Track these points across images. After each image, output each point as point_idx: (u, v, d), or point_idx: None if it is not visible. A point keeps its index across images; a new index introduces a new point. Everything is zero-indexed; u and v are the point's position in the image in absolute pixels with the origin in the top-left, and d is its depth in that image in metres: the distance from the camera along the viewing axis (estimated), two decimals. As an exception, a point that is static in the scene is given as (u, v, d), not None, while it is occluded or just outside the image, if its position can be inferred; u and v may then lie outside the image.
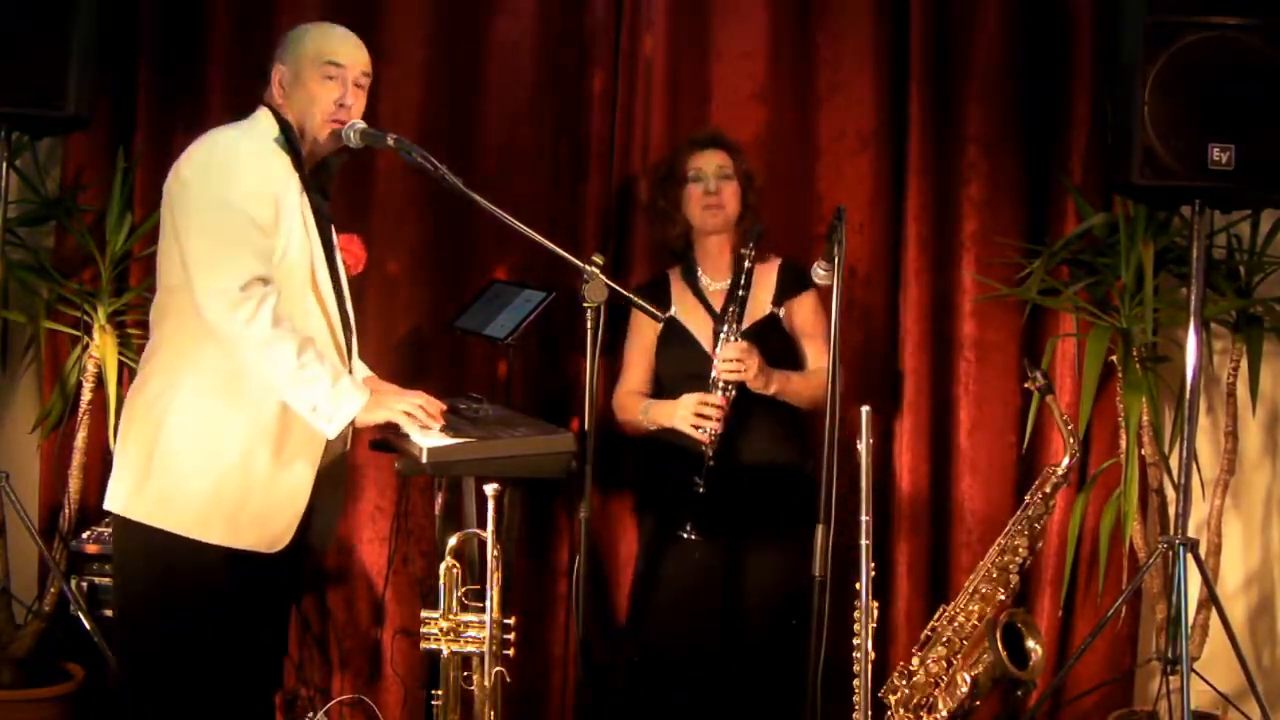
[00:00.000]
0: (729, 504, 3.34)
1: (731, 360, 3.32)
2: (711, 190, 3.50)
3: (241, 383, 2.75)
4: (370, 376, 3.13)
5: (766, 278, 3.54)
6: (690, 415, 3.34)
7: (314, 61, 2.87)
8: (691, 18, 3.91)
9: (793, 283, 3.54)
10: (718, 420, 3.31)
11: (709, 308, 3.51)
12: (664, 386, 3.55)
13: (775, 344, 3.48)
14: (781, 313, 3.53)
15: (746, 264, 3.34)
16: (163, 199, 2.83)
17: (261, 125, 2.88)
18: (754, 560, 3.41)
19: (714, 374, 3.34)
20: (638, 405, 3.52)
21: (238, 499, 2.77)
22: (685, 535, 3.29)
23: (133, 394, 2.88)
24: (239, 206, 2.72)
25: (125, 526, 2.82)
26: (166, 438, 2.76)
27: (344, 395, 2.74)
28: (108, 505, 2.85)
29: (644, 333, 3.57)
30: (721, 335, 3.36)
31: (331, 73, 2.87)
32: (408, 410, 2.85)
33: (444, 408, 2.95)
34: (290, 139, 2.87)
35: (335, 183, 3.03)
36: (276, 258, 2.78)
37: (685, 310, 3.54)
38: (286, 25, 3.06)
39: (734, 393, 3.33)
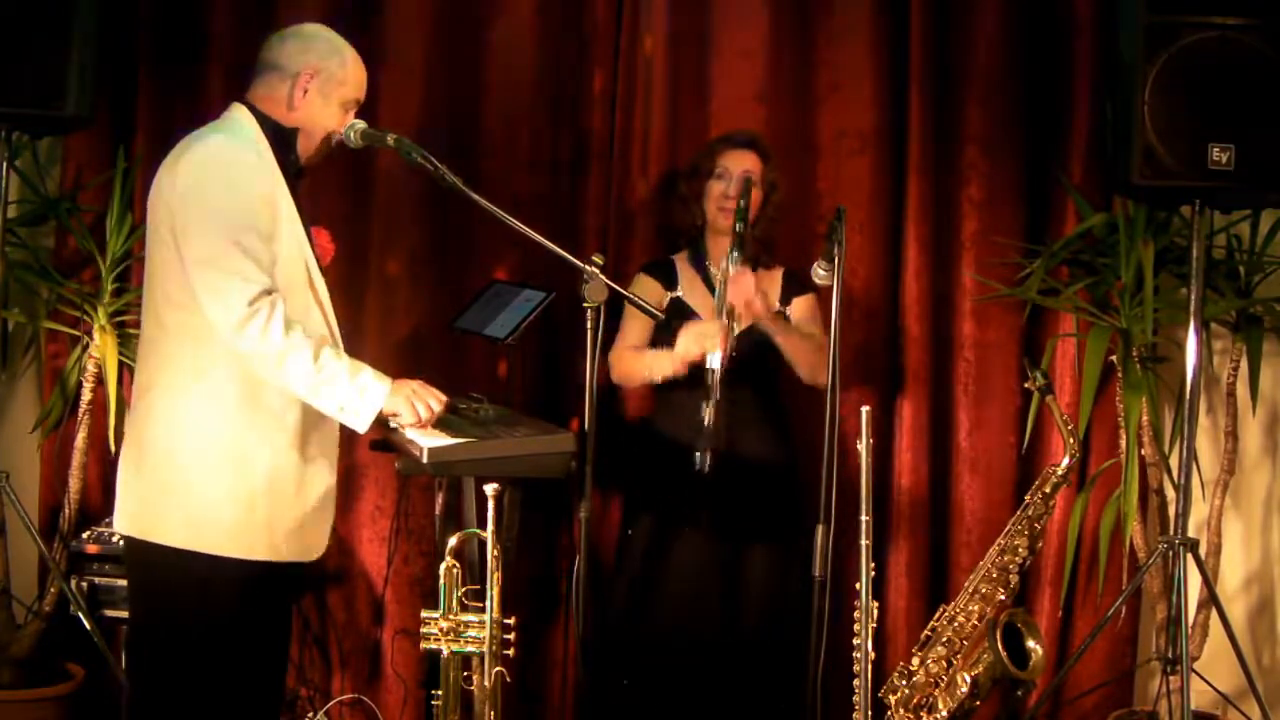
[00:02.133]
0: (722, 502, 3.35)
1: (740, 289, 3.29)
2: (731, 194, 3.50)
3: (259, 393, 2.73)
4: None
5: (771, 283, 3.59)
6: (693, 339, 3.29)
7: (347, 94, 2.89)
8: (692, 17, 3.91)
9: (796, 286, 3.61)
10: (723, 344, 3.24)
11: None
12: None
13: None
14: (788, 311, 3.57)
15: (721, 278, 3.34)
16: (152, 209, 2.78)
17: (244, 127, 2.84)
18: (749, 559, 3.42)
19: (717, 298, 3.33)
20: (638, 358, 3.50)
21: (271, 512, 2.76)
22: (698, 467, 3.21)
23: (142, 415, 2.81)
24: (240, 216, 2.68)
25: (145, 550, 2.78)
26: (191, 459, 2.73)
27: (367, 388, 2.74)
28: (126, 531, 2.81)
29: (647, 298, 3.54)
30: (723, 270, 3.33)
31: (354, 108, 2.93)
32: (409, 394, 2.81)
33: (445, 400, 2.94)
34: (284, 140, 2.86)
35: (307, 180, 3.01)
36: (279, 262, 2.76)
37: (694, 295, 3.57)
38: (286, 25, 3.04)
39: (736, 328, 3.33)
